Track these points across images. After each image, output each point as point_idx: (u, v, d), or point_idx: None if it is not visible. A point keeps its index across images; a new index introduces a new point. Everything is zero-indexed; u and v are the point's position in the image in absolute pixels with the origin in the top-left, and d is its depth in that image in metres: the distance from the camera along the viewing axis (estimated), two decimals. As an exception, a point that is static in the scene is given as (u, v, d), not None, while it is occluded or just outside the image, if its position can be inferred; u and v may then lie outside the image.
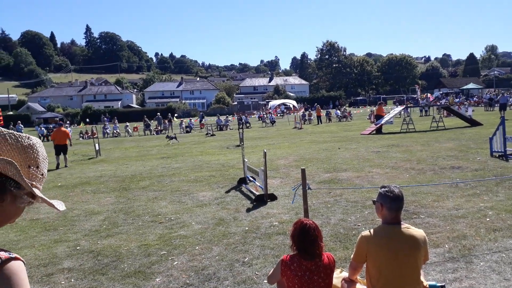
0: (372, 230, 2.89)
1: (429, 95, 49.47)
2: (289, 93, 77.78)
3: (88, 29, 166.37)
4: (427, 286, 2.94)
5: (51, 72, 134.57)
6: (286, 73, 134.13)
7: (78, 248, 5.49)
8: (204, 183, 9.42)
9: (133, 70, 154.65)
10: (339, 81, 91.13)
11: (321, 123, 32.10)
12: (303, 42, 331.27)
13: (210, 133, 27.02)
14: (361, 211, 6.27)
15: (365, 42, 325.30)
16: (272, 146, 16.57)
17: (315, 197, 7.30)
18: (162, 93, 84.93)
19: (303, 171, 4.96)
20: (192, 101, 78.54)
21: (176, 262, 4.78)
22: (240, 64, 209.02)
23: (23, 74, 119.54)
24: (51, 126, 37.58)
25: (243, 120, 32.91)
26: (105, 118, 45.58)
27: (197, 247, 5.21)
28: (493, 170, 8.65)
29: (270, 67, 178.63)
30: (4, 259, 1.08)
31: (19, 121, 37.27)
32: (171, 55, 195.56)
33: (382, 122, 20.06)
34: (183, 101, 74.94)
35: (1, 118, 40.57)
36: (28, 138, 1.16)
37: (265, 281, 3.93)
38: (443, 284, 3.38)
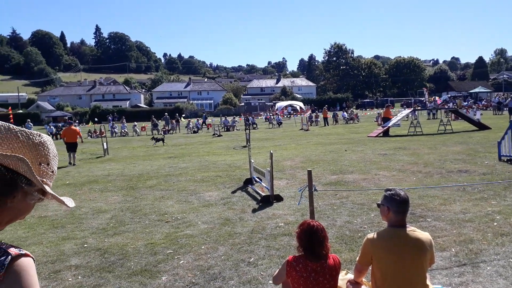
0: (377, 233, 2.90)
1: (437, 98, 49.10)
2: (296, 94, 77.68)
3: (97, 29, 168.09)
4: (433, 289, 2.93)
5: (61, 71, 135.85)
6: (294, 74, 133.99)
7: (85, 245, 5.55)
8: (210, 183, 9.45)
9: (142, 70, 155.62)
10: (346, 83, 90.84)
11: (327, 125, 32.03)
12: (310, 44, 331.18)
13: (217, 134, 27.10)
14: (367, 213, 6.26)
15: (373, 45, 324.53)
16: (278, 147, 16.58)
17: (321, 198, 7.30)
18: (170, 94, 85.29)
19: (309, 172, 4.97)
20: (199, 101, 78.77)
21: (182, 261, 4.81)
22: (247, 65, 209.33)
23: (33, 73, 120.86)
24: (60, 124, 37.94)
25: (250, 121, 32.96)
26: (109, 118, 45.85)
27: (203, 247, 5.24)
28: (501, 174, 8.59)
29: (278, 69, 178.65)
30: (14, 255, 1.09)
31: (29, 120, 37.61)
32: (179, 55, 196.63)
33: (389, 125, 19.97)
34: (191, 102, 75.19)
35: (12, 116, 41.03)
36: (39, 135, 1.17)
37: (270, 282, 3.94)
38: None
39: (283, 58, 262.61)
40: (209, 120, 39.06)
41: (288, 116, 50.05)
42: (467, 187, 7.52)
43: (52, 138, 28.13)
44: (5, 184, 1.11)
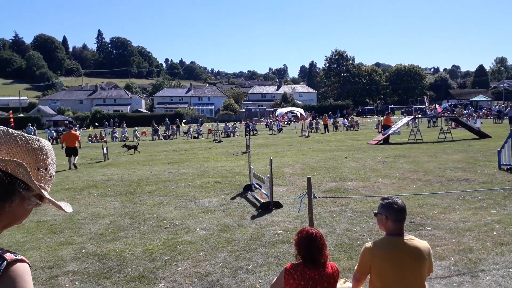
0: (375, 242, 2.88)
1: (437, 106, 49.15)
2: (296, 101, 77.81)
3: (99, 34, 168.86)
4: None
5: (62, 75, 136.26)
6: (294, 81, 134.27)
7: (83, 251, 5.53)
8: (210, 189, 9.44)
9: (143, 75, 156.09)
10: (347, 90, 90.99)
11: (328, 131, 32.05)
12: (311, 51, 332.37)
13: (217, 140, 27.10)
14: (366, 221, 6.24)
15: (374, 52, 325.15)
16: (278, 153, 16.58)
17: (321, 206, 7.29)
18: (171, 99, 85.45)
19: (308, 179, 4.97)
20: (200, 107, 78.88)
21: (180, 268, 4.79)
22: (248, 71, 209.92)
23: (35, 77, 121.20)
24: (60, 129, 37.98)
25: (250, 127, 32.98)
26: (105, 123, 46.05)
27: (201, 253, 5.22)
28: (501, 183, 8.57)
29: (279, 75, 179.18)
30: (10, 260, 1.08)
31: (29, 124, 37.67)
32: (181, 61, 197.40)
33: (389, 132, 19.97)
34: (192, 107, 75.30)
35: (12, 120, 41.09)
36: (38, 140, 1.17)
37: (268, 289, 3.92)
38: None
39: (284, 64, 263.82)
40: (209, 125, 39.09)
41: (289, 122, 50.09)
42: (467, 195, 7.51)
43: (52, 142, 28.12)
44: (3, 188, 1.11)
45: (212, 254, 5.18)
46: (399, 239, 2.81)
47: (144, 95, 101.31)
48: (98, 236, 6.19)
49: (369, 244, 2.90)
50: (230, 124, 35.34)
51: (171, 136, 32.98)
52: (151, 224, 6.73)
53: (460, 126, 24.29)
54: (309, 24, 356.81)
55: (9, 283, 1.06)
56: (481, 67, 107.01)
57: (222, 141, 26.34)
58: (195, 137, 32.17)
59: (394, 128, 21.17)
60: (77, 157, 15.05)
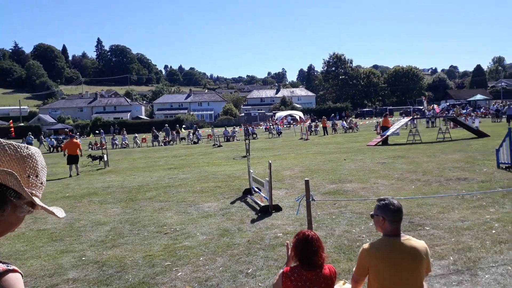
0: (373, 243, 2.90)
1: (435, 106, 49.20)
2: (295, 104, 77.98)
3: (99, 42, 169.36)
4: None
5: (62, 84, 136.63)
6: (293, 85, 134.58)
7: (83, 258, 5.54)
8: (209, 193, 9.46)
9: (143, 82, 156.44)
10: (345, 93, 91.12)
11: (327, 134, 32.08)
12: (310, 55, 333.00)
13: (217, 144, 27.14)
14: (365, 222, 6.25)
15: (372, 55, 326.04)
16: (278, 157, 16.60)
17: (320, 208, 7.30)
18: (170, 105, 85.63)
19: (306, 182, 4.99)
20: (200, 112, 79.06)
21: (180, 273, 4.80)
22: (247, 76, 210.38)
23: (34, 86, 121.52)
24: (61, 137, 38.04)
25: (249, 131, 33.01)
26: (101, 130, 46.20)
27: (201, 258, 5.24)
28: (500, 181, 8.59)
29: (277, 79, 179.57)
30: (2, 271, 1.09)
31: (30, 132, 37.75)
32: (180, 67, 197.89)
33: (388, 134, 20.00)
34: (191, 113, 75.44)
35: (13, 129, 41.08)
36: (27, 148, 1.18)
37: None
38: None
39: (283, 68, 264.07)
40: (208, 130, 39.10)
41: (288, 126, 50.14)
42: (466, 195, 7.52)
43: (53, 151, 28.08)
44: None
45: (212, 259, 5.19)
46: (396, 239, 2.83)
47: (144, 102, 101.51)
48: (98, 243, 6.20)
49: (366, 245, 2.91)
50: (229, 129, 35.38)
51: (171, 142, 33.02)
52: (151, 230, 6.74)
53: (458, 126, 24.33)
54: (307, 28, 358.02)
55: None
56: (478, 67, 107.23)
57: (222, 146, 26.36)
58: (195, 142, 32.20)
59: (392, 129, 21.20)
60: (78, 165, 15.35)
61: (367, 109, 74.54)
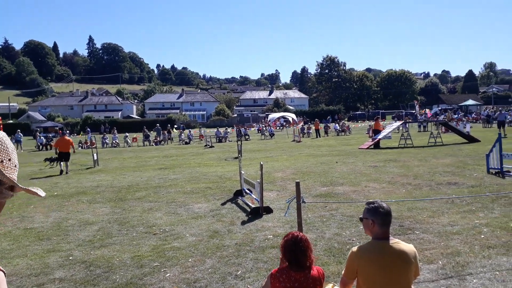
0: (362, 246, 2.89)
1: (427, 110, 49.63)
2: (288, 106, 78.15)
3: (90, 39, 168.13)
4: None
5: (53, 81, 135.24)
6: (286, 86, 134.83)
7: (70, 258, 5.46)
8: (200, 194, 9.40)
9: (135, 81, 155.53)
10: (338, 96, 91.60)
11: (319, 136, 32.18)
12: (303, 57, 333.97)
13: (209, 145, 27.06)
14: (356, 225, 6.25)
15: (365, 58, 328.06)
16: (270, 158, 16.58)
17: (311, 210, 7.29)
18: (162, 104, 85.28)
19: (297, 184, 4.97)
20: (192, 112, 78.87)
21: (168, 274, 4.75)
22: (240, 77, 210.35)
23: (24, 83, 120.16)
24: (50, 135, 37.63)
25: (242, 133, 32.98)
26: (88, 129, 45.92)
27: (190, 259, 5.19)
28: (489, 186, 8.66)
29: (271, 81, 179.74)
30: None
31: (19, 130, 37.28)
32: (172, 66, 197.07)
33: (379, 137, 20.11)
34: (183, 113, 75.19)
35: (1, 126, 40.59)
36: None
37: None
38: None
39: (276, 70, 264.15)
40: (197, 130, 39.00)
41: (281, 127, 50.23)
42: (456, 199, 7.57)
43: (42, 148, 27.72)
44: None
45: (201, 260, 5.14)
46: (385, 243, 2.82)
47: (136, 101, 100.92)
48: (86, 243, 6.12)
49: (355, 248, 2.91)
50: (222, 130, 35.31)
51: (162, 142, 32.85)
52: (140, 230, 6.67)
53: (450, 131, 24.56)
54: (301, 30, 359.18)
55: None
56: (470, 72, 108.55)
57: (213, 147, 26.29)
58: (186, 143, 32.07)
59: (384, 132, 21.32)
60: (68, 163, 15.25)
61: (360, 112, 74.97)
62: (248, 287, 4.32)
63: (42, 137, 33.31)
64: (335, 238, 5.76)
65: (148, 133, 34.26)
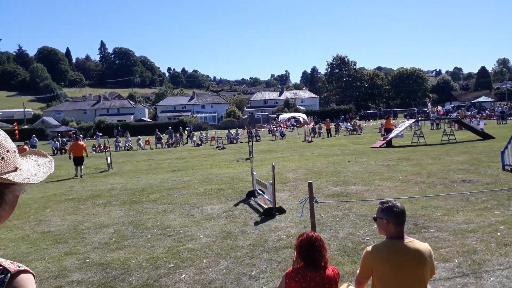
0: (376, 245, 2.89)
1: (439, 108, 49.02)
2: (299, 106, 77.90)
3: (102, 44, 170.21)
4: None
5: (66, 86, 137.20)
6: (296, 87, 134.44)
7: (87, 260, 5.55)
8: (213, 196, 9.45)
9: (146, 84, 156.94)
10: (349, 95, 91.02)
11: (330, 136, 32.04)
12: (313, 57, 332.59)
13: (220, 146, 27.15)
14: (370, 224, 6.22)
15: (375, 56, 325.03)
16: (281, 159, 16.58)
17: (324, 210, 7.28)
18: (174, 107, 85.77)
19: (310, 184, 4.98)
20: (203, 114, 79.17)
21: (183, 275, 4.80)
22: (251, 78, 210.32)
23: (38, 89, 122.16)
24: (64, 139, 38.20)
25: (253, 133, 33.00)
26: (98, 133, 46.47)
27: (204, 260, 5.23)
28: (505, 183, 8.53)
29: (281, 81, 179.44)
30: (14, 272, 1.08)
31: (34, 135, 37.93)
32: (183, 70, 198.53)
33: (391, 136, 19.95)
34: (195, 115, 75.54)
35: (17, 132, 41.32)
36: None
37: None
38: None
39: (286, 70, 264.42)
40: (212, 133, 39.15)
41: (291, 128, 50.13)
42: (471, 197, 7.48)
43: (57, 153, 28.10)
44: None
45: (216, 261, 5.18)
46: (400, 242, 2.81)
47: (147, 104, 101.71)
48: (102, 245, 6.21)
49: (370, 247, 2.90)
50: (233, 131, 35.40)
51: (175, 144, 33.08)
52: (155, 232, 6.75)
53: (463, 128, 24.23)
54: (310, 30, 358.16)
55: None
56: (483, 69, 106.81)
57: (225, 148, 26.38)
58: (198, 145, 32.25)
59: (397, 131, 21.14)
60: (82, 167, 15.84)
61: (371, 111, 74.37)
62: (262, 287, 4.34)
63: (57, 142, 33.81)
64: (349, 237, 5.75)
65: (161, 135, 34.53)
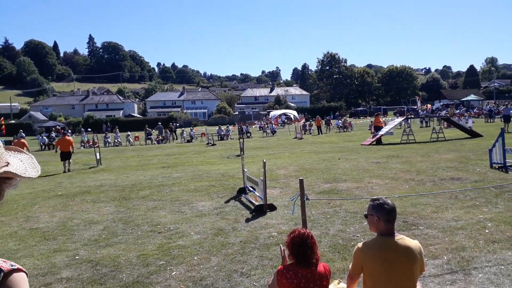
0: (367, 242, 2.91)
1: (429, 105, 49.50)
2: (290, 103, 77.98)
3: (91, 38, 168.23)
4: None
5: (54, 81, 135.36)
6: (287, 83, 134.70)
7: (77, 257, 5.49)
8: (203, 192, 9.43)
9: (135, 79, 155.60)
10: (339, 92, 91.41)
11: (321, 133, 32.17)
12: (304, 53, 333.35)
13: (211, 143, 27.08)
14: (360, 222, 6.27)
15: (366, 54, 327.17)
16: (272, 156, 16.59)
17: (315, 207, 7.31)
18: (163, 103, 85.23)
19: (301, 181, 4.98)
20: (193, 110, 78.78)
21: (174, 272, 4.78)
22: (241, 74, 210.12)
23: (25, 83, 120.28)
24: (52, 134, 37.70)
25: (244, 130, 32.97)
26: (82, 129, 46.05)
27: (195, 258, 5.21)
28: (493, 181, 8.66)
29: (272, 78, 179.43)
30: (7, 271, 1.08)
31: (21, 130, 37.38)
32: (173, 65, 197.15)
33: (381, 133, 20.10)
34: (185, 111, 75.16)
35: (4, 127, 40.65)
36: None
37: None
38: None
39: (277, 67, 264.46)
40: (202, 129, 39.02)
41: (282, 124, 50.20)
42: (459, 194, 7.57)
43: (44, 148, 27.79)
44: None
45: (207, 258, 5.17)
46: (391, 239, 2.83)
47: (137, 100, 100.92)
48: (92, 242, 6.16)
49: (360, 244, 2.92)
50: (223, 127, 35.33)
51: (164, 140, 32.89)
52: (145, 229, 6.70)
53: (452, 126, 24.52)
54: (301, 27, 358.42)
55: None
56: (472, 67, 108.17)
57: (215, 145, 26.31)
58: (188, 141, 32.11)
59: (386, 128, 21.30)
60: (70, 161, 15.91)
61: (362, 109, 74.82)
62: (254, 284, 4.34)
63: (44, 137, 33.35)
64: (339, 234, 5.78)
65: (150, 131, 34.30)
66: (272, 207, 7.41)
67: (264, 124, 40.94)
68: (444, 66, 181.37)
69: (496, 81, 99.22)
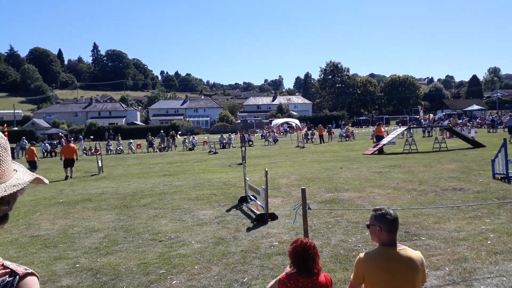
0: (369, 252, 2.90)
1: (431, 115, 49.49)
2: (292, 112, 78.13)
3: (95, 46, 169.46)
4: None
5: (57, 88, 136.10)
6: (290, 92, 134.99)
7: (77, 265, 5.48)
8: (205, 201, 9.42)
9: (138, 87, 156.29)
10: (342, 101, 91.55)
11: (323, 142, 32.15)
12: (306, 62, 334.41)
13: (213, 151, 27.09)
14: (361, 232, 6.24)
15: (368, 63, 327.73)
16: (274, 164, 16.58)
17: (316, 217, 7.29)
18: (166, 111, 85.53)
19: (303, 190, 4.98)
20: (196, 119, 79.00)
21: (174, 281, 4.76)
22: (244, 83, 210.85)
23: (29, 90, 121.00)
24: (55, 142, 37.82)
25: (246, 139, 32.97)
26: (80, 136, 46.26)
27: (196, 267, 5.20)
28: (495, 192, 8.62)
29: (274, 87, 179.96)
30: (22, 275, 1.15)
31: (24, 137, 37.54)
32: (176, 73, 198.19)
33: (383, 143, 20.08)
34: (187, 119, 75.36)
35: (7, 133, 40.78)
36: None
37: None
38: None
39: (280, 76, 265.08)
40: (205, 137, 39.05)
41: (284, 133, 50.22)
42: (461, 205, 7.54)
43: (47, 155, 27.89)
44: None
45: (207, 267, 5.15)
46: (392, 249, 2.82)
47: (139, 108, 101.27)
48: (92, 250, 6.15)
49: (362, 254, 2.91)
50: (225, 136, 35.37)
51: (166, 148, 32.92)
52: (146, 237, 6.69)
53: (454, 136, 24.47)
54: (304, 36, 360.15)
55: None
56: (474, 77, 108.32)
57: (217, 153, 26.32)
58: (190, 149, 32.13)
59: (388, 138, 21.28)
60: (73, 168, 16.18)
61: (364, 118, 74.85)
62: (254, 294, 4.32)
63: (47, 144, 33.46)
64: (341, 244, 5.75)
65: (152, 139, 34.36)
66: (274, 216, 7.39)
67: (266, 132, 40.97)
68: (447, 76, 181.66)
69: (499, 91, 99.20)
